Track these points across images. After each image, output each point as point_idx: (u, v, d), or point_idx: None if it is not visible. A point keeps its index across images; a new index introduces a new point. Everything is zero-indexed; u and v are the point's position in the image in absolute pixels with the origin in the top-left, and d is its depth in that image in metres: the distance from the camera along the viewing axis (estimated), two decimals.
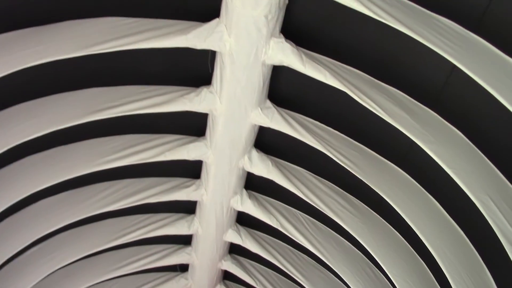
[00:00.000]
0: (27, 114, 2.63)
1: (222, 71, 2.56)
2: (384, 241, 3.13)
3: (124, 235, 3.77)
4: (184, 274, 4.62)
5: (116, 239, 3.75)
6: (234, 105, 2.74)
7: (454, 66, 2.13)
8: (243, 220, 3.99)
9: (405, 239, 3.13)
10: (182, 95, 2.76)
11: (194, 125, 3.17)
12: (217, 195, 3.51)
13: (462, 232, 2.69)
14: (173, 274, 4.66)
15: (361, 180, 2.89)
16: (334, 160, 2.86)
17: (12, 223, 3.31)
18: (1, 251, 3.29)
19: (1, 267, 3.55)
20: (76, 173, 3.00)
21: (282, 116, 2.82)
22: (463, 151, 2.38)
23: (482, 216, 2.34)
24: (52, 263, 3.66)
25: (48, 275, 3.88)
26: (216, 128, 2.95)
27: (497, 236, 2.31)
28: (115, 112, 2.70)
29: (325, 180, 3.29)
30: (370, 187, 2.88)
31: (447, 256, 2.60)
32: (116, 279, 4.49)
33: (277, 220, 3.60)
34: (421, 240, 2.75)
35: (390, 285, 3.43)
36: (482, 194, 2.25)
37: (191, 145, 3.13)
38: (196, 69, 2.77)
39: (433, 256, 2.71)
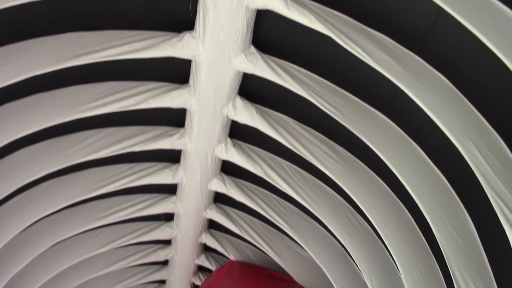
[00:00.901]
0: (3, 60, 2.56)
1: (204, 16, 2.51)
2: (367, 188, 3.15)
3: (108, 184, 3.75)
4: (170, 223, 4.65)
5: (100, 188, 3.73)
6: (218, 51, 2.70)
7: (441, 9, 2.10)
8: (228, 169, 4.00)
9: (388, 186, 3.16)
10: (164, 41, 2.70)
11: (177, 72, 3.13)
12: (201, 144, 3.50)
13: (444, 179, 2.71)
14: (158, 223, 4.69)
15: (345, 127, 2.88)
16: (319, 108, 2.85)
17: None
18: None
19: None
20: (58, 120, 2.94)
21: (266, 62, 2.79)
22: (447, 97, 2.37)
23: (465, 162, 2.36)
24: (36, 212, 3.64)
25: (32, 225, 3.88)
26: (200, 75, 2.91)
27: (479, 182, 2.34)
28: (95, 57, 2.64)
29: (309, 128, 3.29)
30: (354, 134, 2.88)
31: (429, 202, 2.63)
32: (101, 229, 4.51)
33: (261, 168, 3.60)
34: (404, 187, 2.78)
35: (372, 231, 3.49)
36: (465, 139, 2.26)
37: (174, 93, 3.09)
38: (178, 13, 2.71)
39: (415, 203, 2.74)
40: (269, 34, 2.84)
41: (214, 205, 4.39)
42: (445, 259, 2.53)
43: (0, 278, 3.88)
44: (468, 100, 2.37)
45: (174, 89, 3.10)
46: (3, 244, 3.65)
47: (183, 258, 5.08)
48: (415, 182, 2.69)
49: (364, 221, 3.52)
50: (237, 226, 4.41)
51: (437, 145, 2.73)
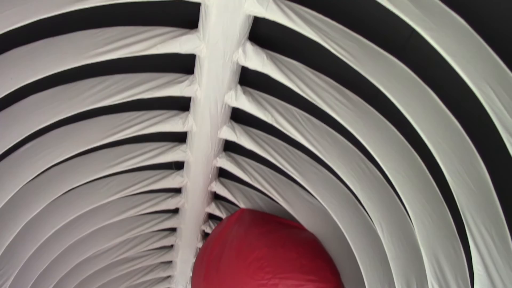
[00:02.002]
0: (8, 3, 2.50)
1: None
2: (379, 134, 3.12)
3: (119, 131, 3.74)
4: (180, 172, 4.67)
5: (110, 135, 3.73)
6: None
7: None
8: (238, 117, 3.97)
9: (400, 132, 3.12)
10: None
11: (186, 17, 3.06)
12: (211, 91, 3.46)
13: (458, 124, 2.67)
14: (168, 172, 4.71)
15: (357, 73, 2.82)
16: (331, 53, 2.79)
17: (2, 119, 3.26)
18: None
19: None
20: (66, 65, 2.91)
21: (278, 5, 2.71)
22: (464, 39, 2.30)
23: (480, 107, 2.32)
24: (47, 159, 3.66)
25: (43, 172, 3.91)
26: (209, 19, 2.85)
27: (493, 127, 2.30)
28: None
29: (321, 74, 3.23)
30: (366, 80, 2.83)
31: (442, 147, 2.60)
32: (113, 177, 4.54)
33: (272, 116, 3.57)
34: (416, 133, 2.74)
35: (383, 179, 3.48)
36: (482, 82, 2.21)
37: (183, 38, 3.03)
38: None
39: (427, 149, 2.72)
40: None
41: (224, 153, 4.39)
42: (458, 205, 2.51)
43: (13, 225, 3.94)
44: (485, 42, 2.30)
45: (183, 34, 3.04)
46: (15, 191, 3.68)
47: (193, 206, 5.13)
48: (428, 127, 2.65)
49: (375, 168, 3.50)
50: (247, 174, 4.42)
51: (451, 90, 2.68)
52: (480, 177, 2.57)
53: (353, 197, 3.86)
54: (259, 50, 3.12)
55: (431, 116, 2.68)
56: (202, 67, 3.25)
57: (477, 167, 2.58)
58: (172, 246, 6.23)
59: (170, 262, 6.61)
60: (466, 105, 2.65)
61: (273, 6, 2.70)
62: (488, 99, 2.18)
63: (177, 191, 5.06)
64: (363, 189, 3.46)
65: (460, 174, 2.53)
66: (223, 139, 4.15)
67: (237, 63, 3.23)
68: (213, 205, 5.21)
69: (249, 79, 3.56)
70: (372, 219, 3.44)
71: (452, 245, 2.83)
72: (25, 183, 3.72)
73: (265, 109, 3.58)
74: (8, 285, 4.16)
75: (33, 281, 4.61)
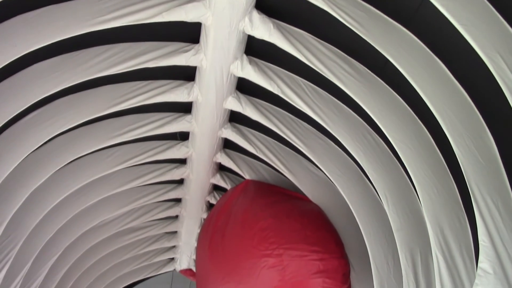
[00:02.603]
0: None
1: None
2: (386, 105, 3.09)
3: (124, 101, 3.72)
4: (185, 143, 4.67)
5: (115, 105, 3.71)
6: None
7: None
8: (244, 88, 3.94)
9: (407, 104, 3.10)
10: None
11: None
12: (217, 60, 3.43)
13: (467, 96, 2.64)
14: (173, 142, 4.71)
15: (365, 43, 2.79)
16: (339, 23, 2.75)
17: (7, 87, 3.24)
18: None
19: (1, 132, 3.55)
20: (71, 33, 2.87)
21: None
22: (476, 8, 2.26)
23: (489, 78, 2.28)
24: (52, 128, 3.65)
25: (48, 142, 3.91)
26: None
27: (503, 100, 2.27)
28: None
29: (328, 44, 3.19)
30: (373, 51, 2.79)
31: (450, 118, 2.57)
32: (118, 147, 4.54)
33: (277, 86, 3.54)
34: (423, 104, 2.71)
35: (389, 150, 3.47)
36: (492, 52, 2.17)
37: (189, 6, 2.99)
38: None
39: (435, 121, 2.69)
40: None
41: (229, 124, 4.37)
42: (464, 177, 2.50)
43: (19, 193, 3.96)
44: (497, 12, 2.25)
45: (188, 1, 3.00)
46: (20, 160, 3.69)
47: (198, 177, 5.14)
48: (436, 98, 2.62)
49: (380, 139, 3.49)
50: (252, 145, 4.41)
51: (461, 60, 2.64)
52: (488, 149, 2.55)
53: (358, 169, 3.85)
54: (266, 19, 3.07)
55: (439, 87, 2.65)
56: (208, 36, 3.21)
57: (485, 139, 2.56)
58: (177, 216, 6.27)
59: (175, 232, 6.66)
60: (475, 77, 2.62)
61: None
62: (499, 70, 2.15)
63: (182, 161, 5.07)
64: (368, 160, 3.45)
65: (468, 145, 2.51)
66: (229, 110, 4.13)
67: (243, 32, 3.19)
68: (218, 176, 5.22)
69: (255, 49, 3.52)
70: (377, 191, 3.44)
71: (458, 217, 2.83)
72: (30, 152, 3.73)
73: (271, 79, 3.55)
74: (15, 253, 4.20)
75: (39, 249, 4.65)
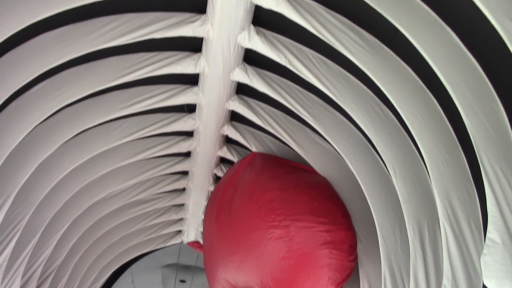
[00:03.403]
0: None
1: None
2: (396, 76, 3.05)
3: (130, 72, 3.70)
4: (192, 115, 4.66)
5: (122, 76, 3.69)
6: None
7: None
8: (251, 59, 3.91)
9: (417, 74, 3.05)
10: None
11: None
12: (224, 31, 3.39)
13: (478, 66, 2.59)
14: (180, 115, 4.70)
15: (375, 13, 2.75)
16: None
17: (13, 58, 3.22)
18: (5, 86, 3.25)
19: (7, 103, 3.55)
20: (77, 2, 2.84)
21: None
22: None
23: (502, 48, 2.24)
24: (59, 99, 3.64)
25: (55, 114, 3.90)
26: None
27: None
28: None
29: (337, 14, 3.13)
30: (383, 21, 2.75)
31: (460, 88, 2.54)
32: (124, 119, 4.53)
33: (285, 57, 3.50)
34: (433, 75, 2.68)
35: (397, 122, 3.44)
36: (505, 20, 2.12)
37: None
38: None
39: (445, 92, 2.66)
40: None
41: (236, 96, 4.35)
42: (473, 148, 2.48)
43: (27, 165, 3.97)
44: None
45: None
46: (27, 132, 3.70)
47: (205, 150, 5.14)
48: (447, 68, 2.58)
49: (389, 111, 3.45)
50: (259, 117, 4.39)
51: (472, 30, 2.59)
52: (499, 120, 2.51)
53: (366, 141, 3.83)
54: None
55: (451, 57, 2.61)
56: (215, 5, 3.18)
57: (496, 110, 2.52)
58: (184, 189, 6.30)
59: (182, 205, 6.70)
60: (487, 47, 2.58)
61: None
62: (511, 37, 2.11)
63: (189, 134, 5.06)
64: (377, 132, 3.42)
65: (478, 116, 2.48)
66: (236, 82, 4.10)
67: (251, 2, 3.15)
68: (225, 148, 5.21)
69: (262, 19, 3.48)
70: (385, 163, 3.42)
71: (466, 188, 2.81)
72: (37, 124, 3.73)
73: (279, 50, 3.51)
74: (24, 224, 4.24)
75: (48, 221, 4.70)
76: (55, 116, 3.95)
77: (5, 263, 4.09)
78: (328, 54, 3.52)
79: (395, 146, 3.38)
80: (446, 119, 2.97)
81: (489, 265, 2.28)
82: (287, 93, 3.96)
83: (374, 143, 3.45)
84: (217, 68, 3.80)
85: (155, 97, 4.18)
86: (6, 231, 4.10)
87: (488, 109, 2.50)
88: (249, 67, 3.90)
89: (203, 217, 6.53)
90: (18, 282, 4.48)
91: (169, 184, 5.90)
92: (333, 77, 3.51)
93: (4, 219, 3.92)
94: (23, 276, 4.68)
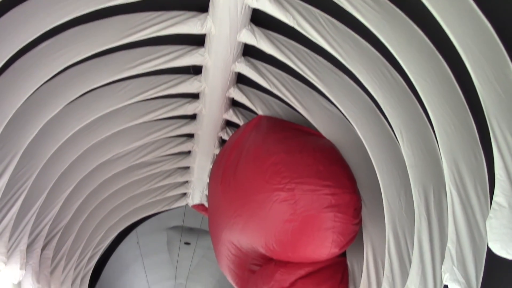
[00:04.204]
0: None
1: None
2: (406, 39, 2.99)
3: (136, 32, 3.66)
4: (198, 77, 4.62)
5: (128, 36, 3.64)
6: None
7: None
8: (258, 20, 3.84)
9: (428, 37, 2.99)
10: None
11: None
12: None
13: (491, 28, 2.53)
14: (186, 76, 4.66)
15: None
16: None
17: (16, 15, 3.18)
18: (9, 44, 3.21)
19: (12, 62, 3.52)
20: None
21: None
22: None
23: None
24: (64, 58, 3.61)
25: (60, 73, 3.88)
26: None
27: None
28: None
29: None
30: None
31: (472, 51, 2.48)
32: (130, 80, 4.51)
33: (293, 17, 3.44)
34: (444, 37, 2.62)
35: (406, 86, 3.39)
36: None
37: None
38: None
39: (455, 55, 2.61)
40: None
41: (243, 58, 4.29)
42: (484, 111, 2.44)
43: (32, 125, 3.97)
44: None
45: None
46: (32, 91, 3.68)
47: (211, 112, 5.12)
48: (459, 30, 2.52)
49: (397, 74, 3.40)
50: (266, 80, 4.34)
51: None
52: (510, 85, 2.46)
53: (374, 105, 3.79)
54: None
55: (463, 18, 2.54)
56: None
57: (508, 74, 2.47)
58: (189, 152, 6.31)
59: (188, 167, 6.73)
60: (502, 11, 2.51)
61: None
62: None
63: (195, 96, 5.03)
64: (384, 96, 3.38)
65: (489, 79, 2.43)
66: (242, 43, 4.05)
67: None
68: (230, 111, 5.19)
69: None
70: (393, 127, 3.40)
71: (474, 153, 2.79)
72: (42, 83, 3.71)
73: (287, 10, 3.44)
74: (30, 184, 4.27)
75: (54, 181, 4.72)
76: (60, 76, 3.93)
77: (12, 222, 4.13)
78: (337, 15, 3.45)
79: (402, 109, 3.34)
80: (456, 82, 2.92)
81: (495, 228, 2.28)
82: (294, 55, 3.90)
83: (382, 106, 3.42)
84: (224, 29, 3.75)
85: (161, 57, 4.14)
86: (13, 190, 4.13)
87: (500, 73, 2.45)
88: (256, 28, 3.84)
89: (208, 180, 6.57)
90: (25, 241, 4.53)
91: (174, 146, 5.91)
92: (342, 38, 3.45)
93: (11, 178, 3.94)
94: (29, 235, 4.74)
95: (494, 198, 2.31)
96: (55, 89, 3.95)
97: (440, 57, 2.97)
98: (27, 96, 3.63)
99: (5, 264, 4.13)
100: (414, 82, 2.97)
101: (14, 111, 3.60)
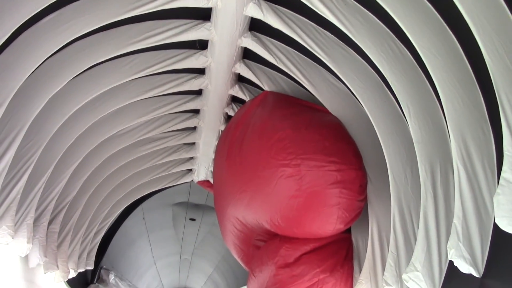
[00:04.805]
0: None
1: None
2: (415, 12, 2.94)
3: (142, 5, 3.61)
4: (204, 52, 4.58)
5: (133, 9, 3.60)
6: None
7: None
8: None
9: (437, 11, 2.94)
10: None
11: None
12: None
13: (503, 3, 2.48)
14: (192, 51, 4.62)
15: None
16: None
17: None
18: (13, 16, 3.18)
19: (17, 35, 3.49)
20: None
21: None
22: None
23: None
24: (70, 31, 3.58)
25: (66, 47, 3.86)
26: None
27: None
28: None
29: None
30: None
31: (482, 24, 2.43)
32: (136, 55, 4.48)
33: None
34: (454, 11, 2.58)
35: (414, 61, 3.35)
36: None
37: None
38: None
39: (465, 29, 2.57)
40: None
41: (249, 33, 4.25)
42: (493, 86, 2.40)
43: (38, 98, 3.96)
44: None
45: None
46: (37, 65, 3.67)
47: (216, 88, 5.09)
48: (469, 3, 2.47)
49: (405, 49, 3.35)
50: (272, 55, 4.30)
51: None
52: None
53: (381, 80, 3.76)
54: None
55: None
56: None
57: None
58: (195, 128, 6.30)
59: (193, 144, 6.73)
60: None
61: None
62: None
63: (201, 72, 5.00)
64: (392, 71, 3.35)
65: (499, 53, 2.39)
66: (249, 17, 4.00)
67: None
68: (236, 87, 5.16)
69: None
70: (400, 102, 3.36)
71: (482, 128, 2.75)
72: (47, 56, 3.69)
73: None
74: (36, 158, 4.28)
75: (60, 155, 4.74)
76: (65, 50, 3.90)
77: (19, 195, 4.15)
78: None
79: (410, 85, 3.31)
80: (465, 57, 2.88)
81: (502, 204, 2.27)
82: (301, 29, 3.86)
83: (389, 81, 3.38)
84: (230, 3, 3.71)
85: (167, 32, 4.10)
86: (19, 164, 4.14)
87: (510, 46, 2.41)
88: (263, 2, 3.80)
89: (213, 156, 6.57)
90: (31, 215, 4.57)
91: (180, 122, 5.91)
92: (350, 13, 3.40)
93: (17, 152, 3.95)
94: (36, 209, 4.78)
95: (502, 174, 2.29)
96: (61, 63, 3.93)
97: (450, 31, 2.92)
98: (33, 69, 3.62)
99: (12, 238, 4.16)
100: (423, 56, 2.93)
101: (19, 84, 3.59)
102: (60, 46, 3.65)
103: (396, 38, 3.38)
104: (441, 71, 2.86)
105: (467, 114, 2.78)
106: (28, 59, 3.55)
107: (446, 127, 3.01)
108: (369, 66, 3.81)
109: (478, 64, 2.70)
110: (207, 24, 4.13)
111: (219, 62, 4.58)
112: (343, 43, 3.89)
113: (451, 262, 2.91)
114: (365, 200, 4.07)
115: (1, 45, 3.24)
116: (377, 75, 3.77)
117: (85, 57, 3.97)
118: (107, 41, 4.01)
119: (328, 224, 4.03)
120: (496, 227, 2.63)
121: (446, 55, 2.89)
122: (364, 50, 3.44)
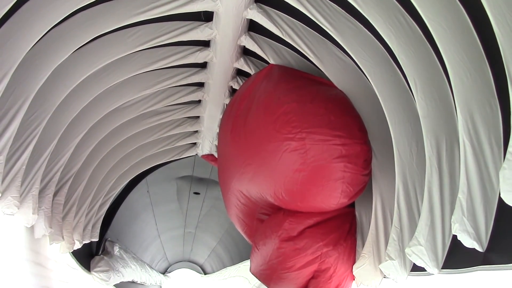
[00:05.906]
0: None
1: None
2: None
3: None
4: (209, 24, 4.53)
5: None
6: None
7: None
8: None
9: None
10: None
11: None
12: None
13: None
14: (197, 23, 4.57)
15: None
16: None
17: None
18: None
19: (20, 5, 3.45)
20: None
21: None
22: None
23: None
24: (72, 2, 3.54)
25: (69, 18, 3.82)
26: None
27: None
28: None
29: None
30: None
31: None
32: (140, 26, 4.43)
33: None
34: None
35: (422, 34, 3.30)
36: None
37: None
38: None
39: (474, 2, 2.52)
40: None
41: (255, 4, 4.19)
42: (502, 59, 2.37)
43: (42, 70, 3.93)
44: None
45: None
46: (41, 35, 3.64)
47: (221, 61, 5.05)
48: None
49: (413, 23, 3.30)
50: (278, 28, 4.25)
51: None
52: None
53: (388, 55, 3.71)
54: None
55: None
56: None
57: None
58: (199, 101, 6.28)
59: (198, 117, 6.72)
60: None
61: None
62: None
63: (206, 44, 4.96)
64: (399, 44, 3.30)
65: (510, 27, 2.35)
66: None
67: None
68: (241, 60, 5.11)
69: None
70: (407, 76, 3.33)
71: (489, 103, 2.73)
72: (51, 27, 3.65)
73: None
74: (41, 129, 4.27)
75: (65, 127, 4.73)
76: (69, 20, 3.86)
77: (24, 166, 4.16)
78: None
79: (417, 58, 3.26)
80: (474, 30, 2.83)
81: (508, 179, 2.26)
82: (308, 1, 3.80)
83: (396, 55, 3.34)
84: None
85: (171, 3, 4.04)
86: (24, 135, 4.14)
87: None
88: None
89: (218, 130, 6.56)
90: (37, 186, 4.58)
91: (184, 95, 5.88)
92: None
93: (22, 123, 3.94)
94: (42, 181, 4.79)
95: (509, 149, 2.27)
96: (64, 33, 3.89)
97: (459, 3, 2.87)
98: (35, 41, 3.59)
99: (18, 208, 4.18)
100: (431, 29, 2.89)
101: (23, 55, 3.56)
102: (63, 17, 3.61)
103: (404, 11, 3.33)
104: (449, 44, 2.82)
105: (474, 88, 2.75)
106: (31, 30, 3.51)
107: (453, 102, 2.99)
108: (376, 40, 3.76)
109: (487, 38, 2.66)
110: None
111: (224, 34, 4.53)
112: (350, 16, 3.83)
113: (454, 237, 2.92)
114: (369, 174, 4.06)
115: (3, 16, 3.21)
116: (384, 49, 3.72)
117: (88, 29, 3.93)
118: (111, 12, 3.96)
119: (332, 198, 4.03)
120: (500, 202, 2.62)
121: (455, 28, 2.84)
122: (372, 23, 3.39)
